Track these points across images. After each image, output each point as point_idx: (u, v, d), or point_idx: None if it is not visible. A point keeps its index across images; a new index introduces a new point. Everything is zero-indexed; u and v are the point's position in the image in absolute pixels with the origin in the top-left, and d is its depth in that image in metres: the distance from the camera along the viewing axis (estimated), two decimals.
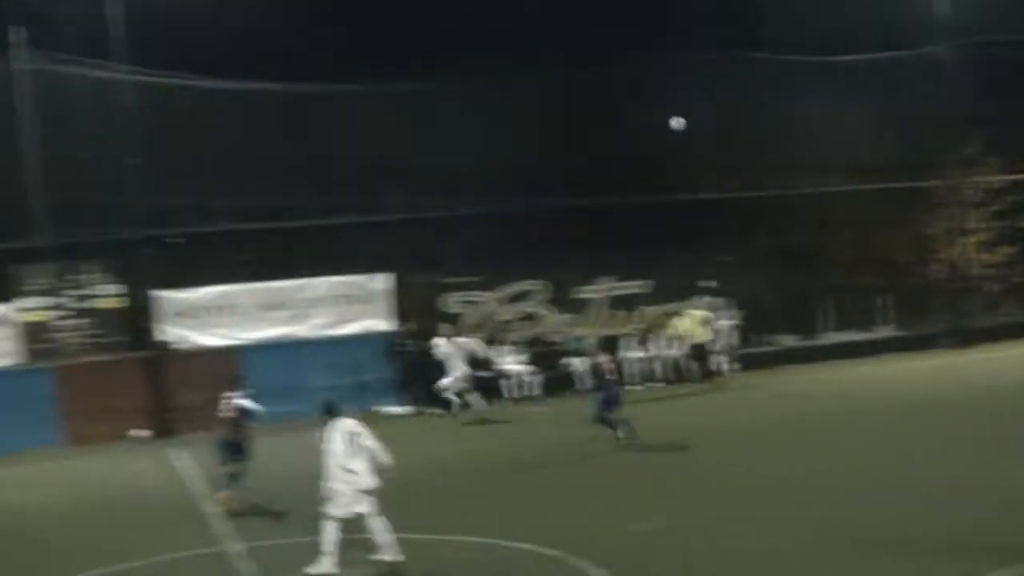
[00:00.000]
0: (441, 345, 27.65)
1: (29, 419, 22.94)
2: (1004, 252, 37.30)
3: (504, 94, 30.59)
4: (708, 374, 30.38)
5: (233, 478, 19.04)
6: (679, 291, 31.72)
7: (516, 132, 30.83)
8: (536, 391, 28.99)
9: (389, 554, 14.69)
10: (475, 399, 27.43)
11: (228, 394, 19.47)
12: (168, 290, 27.94)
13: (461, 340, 28.08)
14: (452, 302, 29.70)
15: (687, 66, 32.11)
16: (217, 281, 28.56)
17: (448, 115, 30.34)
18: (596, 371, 23.95)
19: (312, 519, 16.73)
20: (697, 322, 30.36)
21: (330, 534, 14.53)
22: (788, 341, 33.54)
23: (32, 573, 16.46)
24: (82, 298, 27.15)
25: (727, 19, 32.67)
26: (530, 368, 28.94)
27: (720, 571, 14.84)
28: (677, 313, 30.79)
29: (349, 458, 14.55)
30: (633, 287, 31.28)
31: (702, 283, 31.93)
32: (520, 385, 28.96)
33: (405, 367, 28.53)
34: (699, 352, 30.66)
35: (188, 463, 23.37)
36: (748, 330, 32.38)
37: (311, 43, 29.41)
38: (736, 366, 31.31)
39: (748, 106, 33.77)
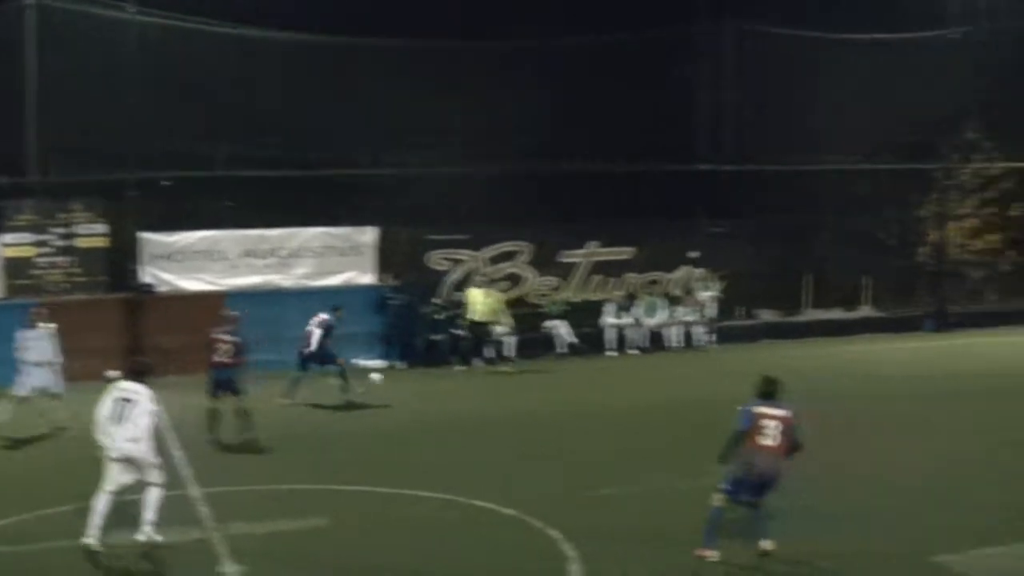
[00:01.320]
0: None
1: (5, 355, 23.18)
2: (991, 239, 37.75)
3: (503, 56, 30.96)
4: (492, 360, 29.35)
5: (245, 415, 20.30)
6: (666, 260, 32.06)
7: (514, 94, 31.14)
8: (512, 352, 29.36)
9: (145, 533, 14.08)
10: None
11: (219, 332, 20.24)
12: (154, 233, 28.24)
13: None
14: (436, 259, 30.04)
15: (692, 37, 32.41)
16: (205, 227, 28.84)
17: (445, 74, 30.58)
18: None
19: (275, 468, 17.34)
20: (491, 301, 29.12)
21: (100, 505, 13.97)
22: (769, 315, 33.89)
23: None
24: (67, 236, 27.46)
25: None
26: (507, 329, 29.31)
27: (671, 534, 15.29)
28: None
29: (115, 423, 14.16)
30: (618, 253, 31.56)
31: (690, 253, 32.27)
32: (499, 346, 29.37)
33: (390, 321, 28.88)
34: (481, 332, 29.18)
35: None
36: (729, 303, 32.70)
37: None
38: (713, 337, 31.70)
39: (751, 80, 34.01)
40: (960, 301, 36.14)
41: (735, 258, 33.00)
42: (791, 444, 14.08)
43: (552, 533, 15.31)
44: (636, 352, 30.65)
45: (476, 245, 30.35)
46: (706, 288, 32.01)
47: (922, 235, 37.48)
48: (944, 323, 34.71)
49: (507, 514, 16.14)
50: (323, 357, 23.99)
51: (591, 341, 30.44)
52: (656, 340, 31.26)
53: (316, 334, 23.95)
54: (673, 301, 31.69)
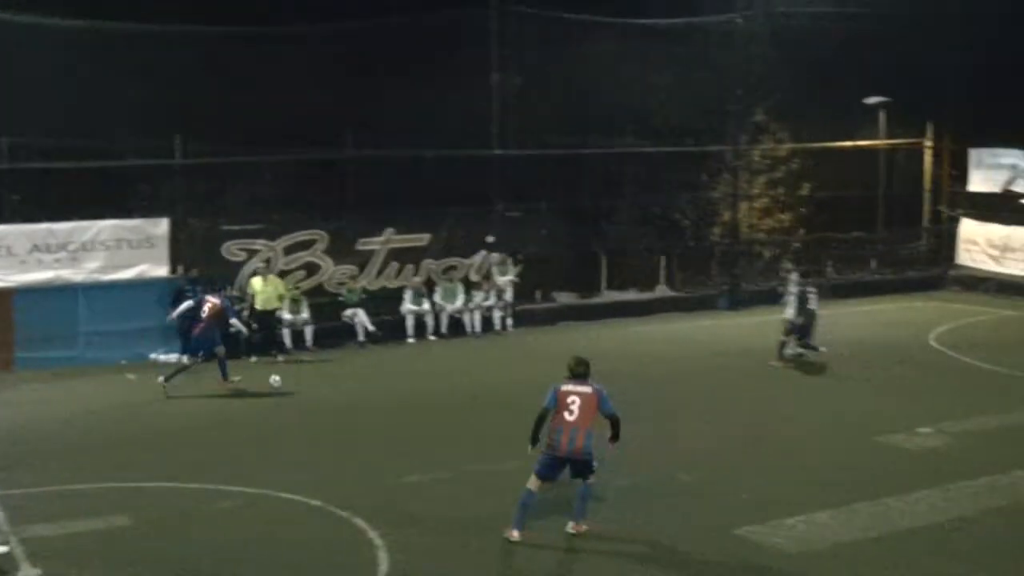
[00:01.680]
0: None
1: None
2: (782, 218, 38.88)
3: (295, 41, 30.77)
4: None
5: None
6: (463, 245, 32.23)
7: (307, 80, 30.97)
8: (309, 342, 29.23)
9: None
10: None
11: None
12: None
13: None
14: (232, 249, 29.68)
15: (486, 20, 32.57)
16: None
17: (241, 62, 30.21)
18: None
19: (74, 468, 17.02)
20: (270, 288, 28.93)
21: None
22: (567, 298, 34.35)
23: None
24: None
25: None
26: (304, 318, 29.17)
27: (478, 519, 15.51)
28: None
29: None
30: (415, 240, 31.61)
31: (487, 238, 32.47)
32: (298, 336, 29.22)
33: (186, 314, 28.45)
34: (266, 320, 28.87)
35: None
36: (527, 286, 33.03)
37: None
38: (511, 322, 32.00)
39: (546, 64, 34.34)
40: (753, 279, 37.09)
41: (532, 242, 33.38)
42: (592, 418, 14.72)
43: (358, 522, 15.48)
44: (435, 338, 30.78)
45: (272, 235, 30.06)
46: (503, 273, 32.30)
47: (715, 216, 38.40)
48: (738, 301, 35.60)
49: (314, 505, 16.25)
50: (210, 341, 24.56)
51: (390, 328, 30.45)
52: (455, 326, 31.45)
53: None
54: (471, 286, 31.87)
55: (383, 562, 14.12)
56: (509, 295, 32.39)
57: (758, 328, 31.18)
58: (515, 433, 15.34)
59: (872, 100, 39.55)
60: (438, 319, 31.35)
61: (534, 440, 14.97)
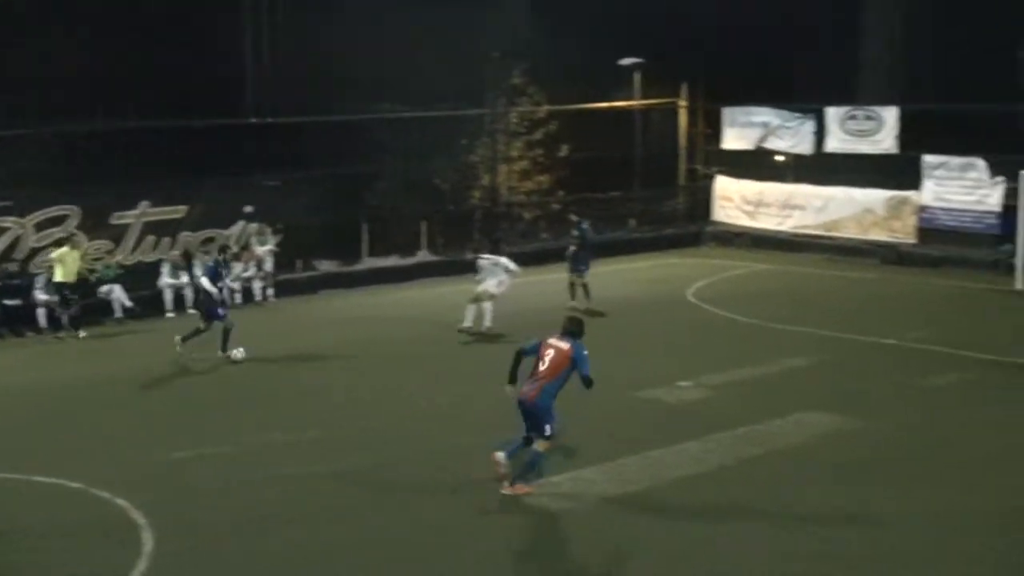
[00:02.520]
0: None
1: None
2: (541, 180, 39.36)
3: (39, 7, 29.90)
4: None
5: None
6: (221, 216, 31.80)
7: (56, 49, 30.09)
8: (64, 320, 28.38)
9: None
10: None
11: None
12: None
13: None
14: None
15: None
16: None
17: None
18: None
19: None
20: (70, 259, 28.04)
21: None
22: (328, 267, 34.21)
23: None
24: None
25: None
26: (56, 298, 28.27)
27: (249, 491, 15.45)
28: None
29: None
30: (171, 212, 31.06)
31: (245, 208, 32.10)
32: (51, 315, 28.40)
33: None
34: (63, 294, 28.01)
35: None
36: (288, 256, 32.79)
37: None
38: (272, 292, 31.74)
39: (301, 28, 34.02)
40: (514, 241, 37.43)
41: (291, 211, 33.12)
42: (557, 374, 15.39)
43: (121, 502, 15.24)
44: (195, 312, 30.27)
45: (21, 211, 29.15)
46: (263, 243, 31.98)
47: (475, 179, 38.66)
48: None
49: (74, 488, 15.89)
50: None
51: (149, 303, 29.87)
52: None
53: (204, 283, 25.00)
54: (230, 257, 31.44)
55: (147, 541, 13.95)
56: (269, 265, 32.07)
57: (520, 289, 31.61)
58: (281, 406, 15.33)
59: (627, 61, 40.28)
60: (197, 292, 30.88)
61: (512, 379, 15.64)
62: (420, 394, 21.21)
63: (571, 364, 15.36)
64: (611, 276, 32.70)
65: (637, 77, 41.00)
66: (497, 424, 17.42)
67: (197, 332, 24.44)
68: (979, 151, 34.84)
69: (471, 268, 35.39)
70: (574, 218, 30.98)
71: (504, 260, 26.91)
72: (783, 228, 39.38)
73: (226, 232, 31.74)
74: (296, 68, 34.13)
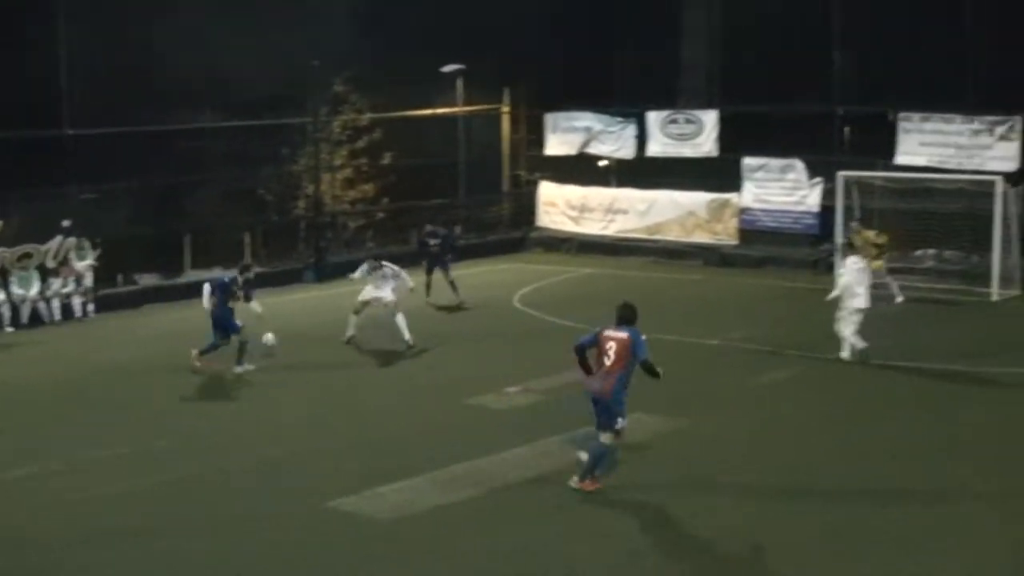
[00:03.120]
0: None
1: None
2: (365, 189, 39.22)
3: None
4: None
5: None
6: (37, 231, 30.99)
7: None
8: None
9: None
10: None
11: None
12: None
13: None
14: None
15: None
16: None
17: None
18: None
19: None
20: None
21: None
22: (150, 280, 33.58)
23: None
24: None
25: None
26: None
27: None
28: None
29: None
30: None
31: (63, 222, 31.35)
32: None
33: None
34: None
35: None
36: (108, 270, 32.09)
37: None
38: (92, 307, 31.03)
39: (118, 37, 33.35)
40: (340, 250, 37.24)
41: (110, 224, 32.47)
42: (628, 362, 15.67)
43: None
44: (13, 330, 29.49)
45: None
46: (82, 257, 31.23)
47: (299, 189, 38.33)
48: (324, 273, 35.61)
49: None
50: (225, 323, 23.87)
51: None
52: (34, 315, 30.18)
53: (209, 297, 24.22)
54: (48, 273, 30.70)
55: None
56: (89, 280, 31.35)
57: (344, 297, 31.49)
58: (109, 419, 14.96)
59: (449, 68, 40.31)
60: (15, 309, 30.07)
61: (587, 371, 16.05)
62: (248, 406, 20.95)
63: (632, 351, 15.55)
64: (437, 283, 32.60)
65: (459, 84, 41.05)
66: (329, 433, 17.24)
67: (214, 347, 23.84)
68: (797, 152, 35.61)
69: (297, 278, 35.29)
70: (429, 227, 32.51)
71: (403, 273, 26.64)
72: (607, 232, 39.75)
73: (43, 247, 30.92)
74: (114, 78, 33.48)
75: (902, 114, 33.74)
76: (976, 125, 32.61)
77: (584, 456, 16.19)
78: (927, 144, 33.55)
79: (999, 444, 18.09)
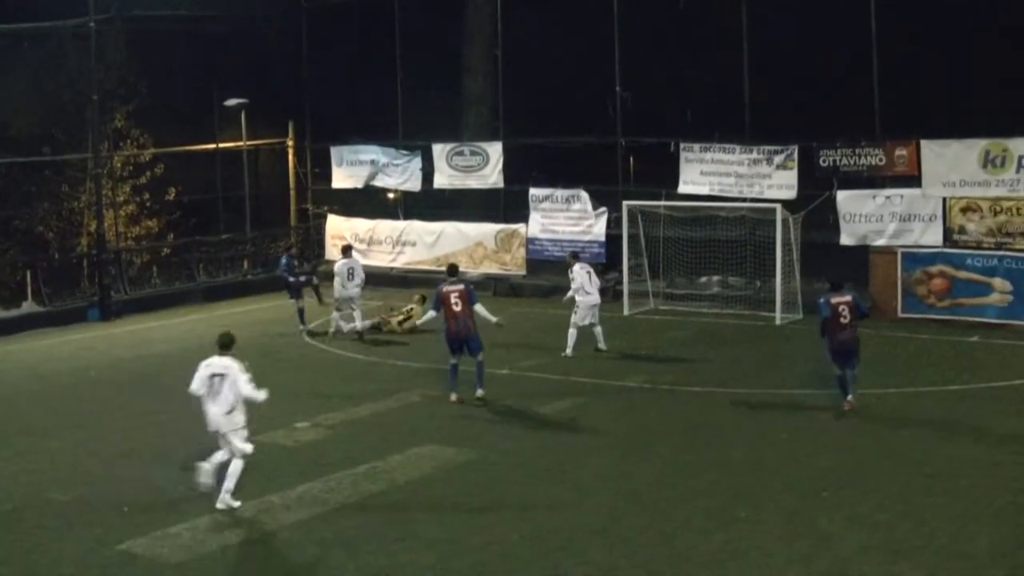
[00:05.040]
0: None
1: None
2: (150, 224, 38.68)
3: None
4: None
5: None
6: None
7: None
8: None
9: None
10: None
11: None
12: None
13: None
14: None
15: None
16: None
17: None
18: None
19: None
20: None
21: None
22: None
23: None
24: None
25: None
26: None
27: None
28: None
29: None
30: None
31: None
32: None
33: None
34: None
35: None
36: None
37: None
38: None
39: None
40: (124, 288, 36.63)
41: None
42: (856, 316, 21.17)
43: None
44: None
45: None
46: None
47: (81, 226, 37.58)
48: (109, 311, 35.00)
49: None
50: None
51: None
52: None
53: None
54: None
55: None
56: None
57: (130, 336, 31.05)
58: None
59: (232, 102, 39.95)
60: None
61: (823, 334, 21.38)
62: (20, 447, 20.48)
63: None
64: (226, 319, 32.31)
65: (243, 117, 40.73)
66: (112, 470, 16.89)
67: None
68: (584, 183, 36.21)
69: (82, 316, 34.55)
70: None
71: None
72: (396, 264, 39.86)
73: None
74: None
75: (683, 144, 34.55)
76: (755, 154, 33.54)
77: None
78: (708, 173, 34.40)
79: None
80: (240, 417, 16.87)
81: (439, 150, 39.22)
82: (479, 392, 22.74)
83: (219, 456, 16.92)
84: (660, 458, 19.10)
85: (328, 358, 28.23)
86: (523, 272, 37.51)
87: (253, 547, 15.41)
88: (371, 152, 40.94)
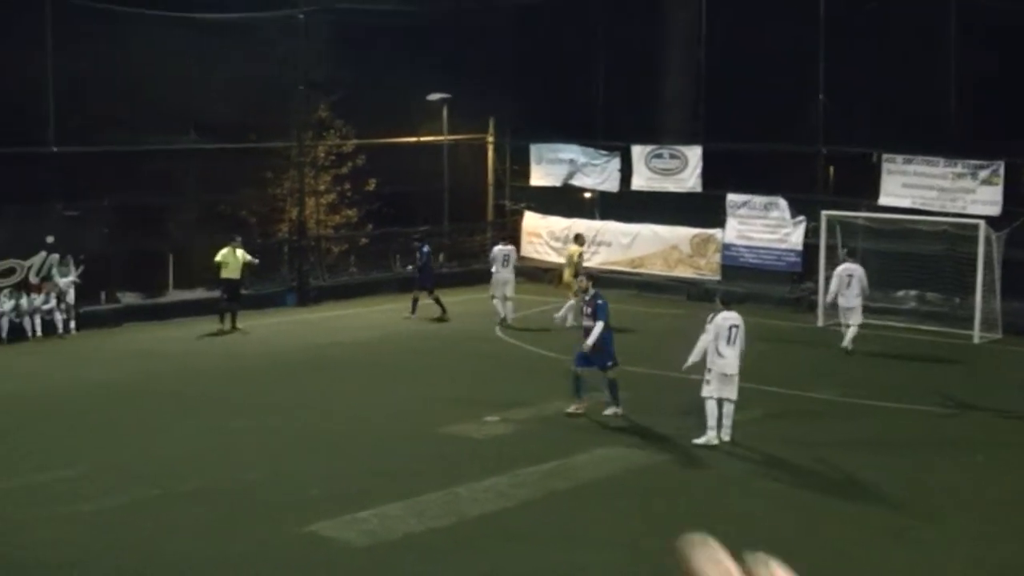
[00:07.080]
0: None
1: None
2: (349, 214, 39.38)
3: None
4: None
5: None
6: (20, 247, 31.13)
7: None
8: None
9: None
10: None
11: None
12: None
13: None
14: None
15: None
16: None
17: None
18: None
19: None
20: None
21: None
22: (132, 299, 33.68)
23: None
24: None
25: None
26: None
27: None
28: None
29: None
30: None
31: (47, 239, 31.49)
32: None
33: None
34: None
35: None
36: (91, 287, 32.21)
37: None
38: (73, 324, 31.13)
39: (103, 58, 33.51)
40: (322, 275, 37.41)
41: (93, 242, 32.61)
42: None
43: None
44: None
45: None
46: (64, 274, 31.36)
47: (282, 212, 38.46)
48: (306, 297, 35.80)
49: None
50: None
51: None
52: (15, 330, 30.29)
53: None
54: (31, 289, 30.82)
55: None
56: (71, 297, 31.48)
57: (323, 323, 31.71)
58: (76, 439, 15.03)
59: (434, 96, 40.50)
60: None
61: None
62: (214, 425, 21.07)
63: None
64: (421, 309, 32.84)
65: (445, 112, 41.25)
66: (305, 458, 17.32)
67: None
68: (781, 191, 35.88)
69: (280, 300, 35.43)
70: (416, 243, 34.27)
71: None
72: (590, 264, 39.93)
73: (26, 263, 31.07)
74: (99, 96, 33.66)
75: (886, 155, 34.00)
76: (959, 168, 32.86)
77: None
78: (910, 186, 33.80)
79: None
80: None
81: (638, 152, 39.22)
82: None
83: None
84: (841, 471, 18.91)
85: (522, 353, 28.46)
86: (717, 277, 37.30)
87: (437, 537, 15.66)
88: (570, 151, 41.11)
